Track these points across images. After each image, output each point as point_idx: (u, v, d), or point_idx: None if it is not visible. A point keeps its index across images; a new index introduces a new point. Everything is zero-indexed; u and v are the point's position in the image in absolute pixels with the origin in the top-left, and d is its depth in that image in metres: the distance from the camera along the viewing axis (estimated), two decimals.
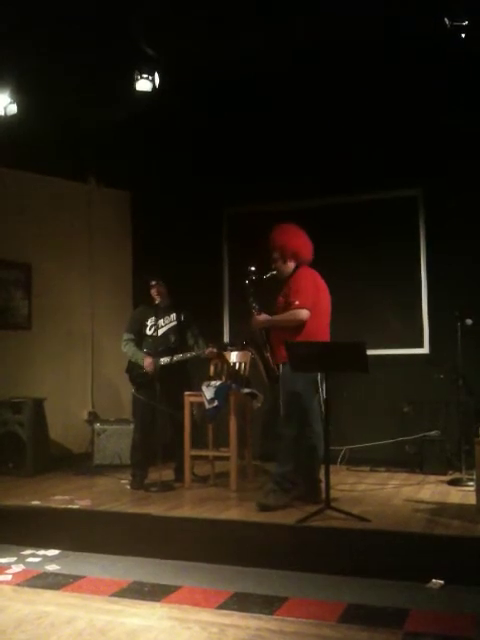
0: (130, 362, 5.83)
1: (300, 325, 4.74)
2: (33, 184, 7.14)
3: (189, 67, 6.19)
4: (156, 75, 5.96)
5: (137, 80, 5.95)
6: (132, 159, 7.23)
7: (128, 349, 5.80)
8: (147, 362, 5.67)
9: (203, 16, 5.61)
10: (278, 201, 6.77)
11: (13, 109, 6.11)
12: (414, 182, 6.67)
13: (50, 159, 6.87)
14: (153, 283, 5.73)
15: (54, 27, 5.52)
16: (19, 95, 6.12)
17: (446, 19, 5.06)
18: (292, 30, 5.83)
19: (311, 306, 4.75)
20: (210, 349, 5.68)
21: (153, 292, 5.75)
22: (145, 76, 5.92)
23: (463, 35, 5.09)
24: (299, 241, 4.96)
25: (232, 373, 5.81)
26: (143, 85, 5.97)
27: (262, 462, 6.26)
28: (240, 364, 5.89)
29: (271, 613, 3.39)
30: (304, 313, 4.73)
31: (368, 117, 6.56)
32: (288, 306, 4.81)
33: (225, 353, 5.91)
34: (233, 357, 5.94)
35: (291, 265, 4.98)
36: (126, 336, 5.85)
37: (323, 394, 4.65)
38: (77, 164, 7.24)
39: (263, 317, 4.93)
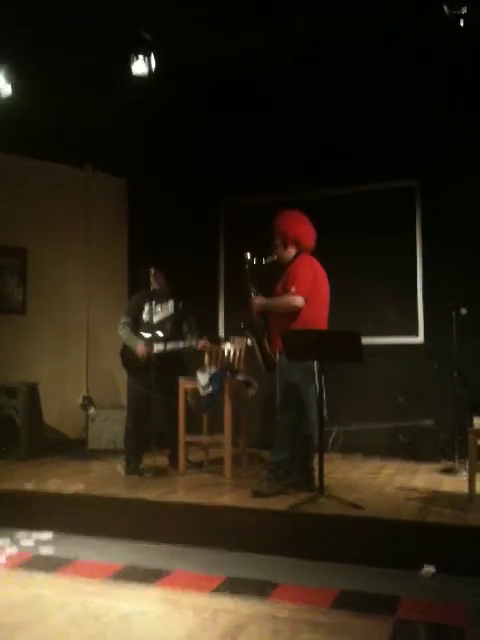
0: (124, 345, 5.85)
1: (296, 313, 4.73)
2: (30, 169, 7.11)
3: (189, 67, 6.17)
4: (152, 57, 5.90)
5: (133, 62, 5.88)
6: (130, 150, 7.18)
7: (124, 333, 5.82)
8: (139, 349, 5.68)
9: (203, 16, 5.60)
10: (276, 193, 6.74)
11: (7, 91, 6.06)
12: (411, 173, 6.66)
13: (46, 145, 6.83)
14: (152, 271, 5.76)
15: (53, 14, 5.48)
16: (17, 80, 6.08)
17: (445, 7, 5.05)
18: (292, 30, 5.82)
19: (307, 294, 4.73)
20: (202, 343, 5.68)
21: (152, 279, 5.77)
22: (141, 56, 5.85)
23: (462, 23, 5.07)
24: (302, 228, 4.93)
25: (226, 365, 5.81)
26: (139, 67, 5.90)
27: (259, 449, 6.28)
28: (234, 352, 5.90)
29: (264, 598, 3.41)
30: (299, 300, 4.72)
31: (366, 109, 6.53)
32: (285, 293, 4.80)
33: (219, 345, 5.93)
34: (227, 347, 5.95)
35: (292, 251, 4.95)
36: (124, 319, 5.88)
37: (318, 383, 4.65)
38: (74, 151, 7.18)
39: (259, 300, 4.92)
